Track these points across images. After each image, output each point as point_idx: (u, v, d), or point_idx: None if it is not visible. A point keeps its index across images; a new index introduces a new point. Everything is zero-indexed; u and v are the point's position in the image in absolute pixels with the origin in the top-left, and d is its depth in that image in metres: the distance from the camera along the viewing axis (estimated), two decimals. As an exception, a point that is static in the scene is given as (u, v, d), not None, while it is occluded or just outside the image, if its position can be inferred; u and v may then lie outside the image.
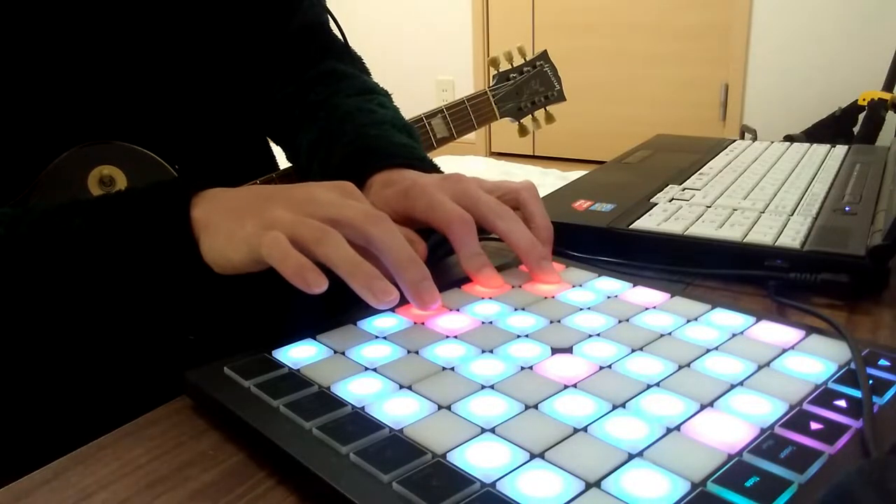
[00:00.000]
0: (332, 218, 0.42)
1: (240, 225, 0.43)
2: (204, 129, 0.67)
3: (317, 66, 0.72)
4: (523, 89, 1.18)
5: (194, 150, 0.66)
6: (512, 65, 1.18)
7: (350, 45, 0.77)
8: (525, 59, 1.19)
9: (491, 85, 1.16)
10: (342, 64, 0.74)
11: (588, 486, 0.27)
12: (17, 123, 0.56)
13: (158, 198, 0.46)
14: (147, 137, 0.61)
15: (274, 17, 0.70)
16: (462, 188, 0.51)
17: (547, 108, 1.23)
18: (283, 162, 0.78)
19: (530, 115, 1.21)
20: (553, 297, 0.45)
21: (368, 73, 0.77)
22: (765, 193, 0.63)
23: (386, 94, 0.73)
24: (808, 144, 0.82)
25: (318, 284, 0.38)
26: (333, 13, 0.76)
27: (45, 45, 0.56)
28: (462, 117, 1.07)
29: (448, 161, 2.48)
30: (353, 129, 0.62)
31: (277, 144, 0.75)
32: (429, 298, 0.42)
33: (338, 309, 0.44)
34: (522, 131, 1.21)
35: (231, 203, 0.45)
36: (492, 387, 0.35)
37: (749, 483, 0.27)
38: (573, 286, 0.47)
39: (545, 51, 1.22)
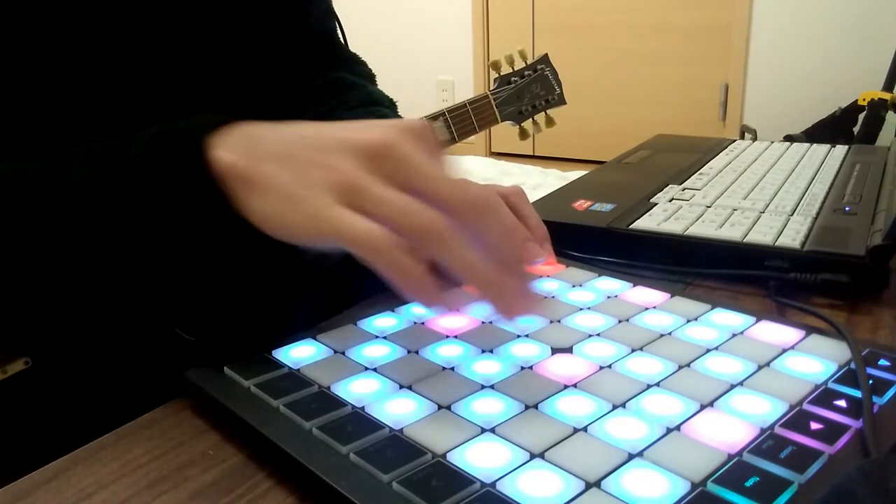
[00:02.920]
0: (439, 197, 0.33)
1: (302, 183, 0.34)
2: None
3: (323, 75, 0.72)
4: (524, 93, 1.18)
5: None
6: (513, 68, 1.18)
7: (350, 46, 0.77)
8: (526, 63, 1.20)
9: (492, 88, 1.16)
10: (349, 73, 0.73)
11: (588, 486, 0.27)
12: (26, 123, 0.56)
13: (164, 142, 0.39)
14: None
15: (282, 23, 0.70)
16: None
17: (547, 111, 1.23)
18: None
19: (530, 119, 1.21)
20: (553, 297, 0.45)
21: (374, 81, 0.77)
22: (765, 193, 0.63)
23: (391, 105, 0.73)
24: (808, 144, 0.82)
25: (456, 303, 0.33)
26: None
27: (52, 48, 0.56)
28: (463, 120, 1.07)
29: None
30: None
31: None
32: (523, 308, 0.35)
33: (336, 309, 0.44)
34: (523, 135, 1.21)
35: (277, 146, 0.37)
36: (492, 387, 0.35)
37: (749, 483, 0.27)
38: (573, 286, 0.47)
39: (546, 54, 1.22)
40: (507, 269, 0.33)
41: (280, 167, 0.35)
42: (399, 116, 0.71)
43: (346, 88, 0.71)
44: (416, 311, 0.43)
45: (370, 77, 0.76)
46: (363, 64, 0.77)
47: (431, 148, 0.36)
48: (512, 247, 0.34)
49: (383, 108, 0.71)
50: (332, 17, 0.75)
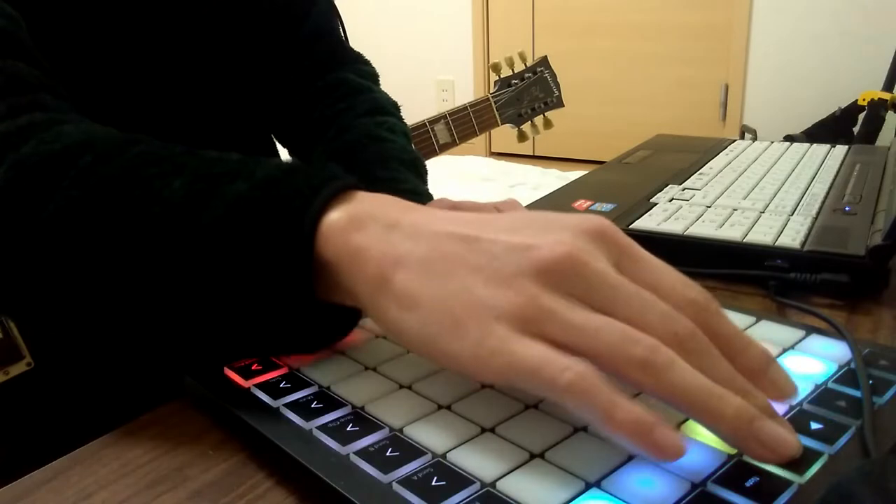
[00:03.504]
0: (648, 324, 0.27)
1: (467, 304, 0.27)
2: (211, 135, 0.67)
3: (327, 76, 0.72)
4: (524, 95, 1.19)
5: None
6: (513, 70, 1.18)
7: (351, 45, 0.77)
8: (526, 65, 1.20)
9: (492, 91, 1.16)
10: (354, 74, 0.73)
11: (588, 486, 0.27)
12: None
13: (270, 197, 0.32)
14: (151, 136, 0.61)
15: (283, 23, 0.70)
16: None
17: (545, 113, 1.23)
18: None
19: (529, 121, 1.21)
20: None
21: (378, 82, 0.77)
22: (765, 193, 0.63)
23: (395, 111, 0.73)
24: (808, 144, 0.82)
25: (681, 448, 0.25)
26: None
27: (55, 50, 0.56)
28: (464, 123, 1.08)
29: (449, 161, 2.48)
30: (363, 168, 0.62)
31: (287, 151, 0.75)
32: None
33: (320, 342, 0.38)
34: (521, 137, 1.22)
35: (426, 243, 0.29)
36: (492, 386, 0.35)
37: (749, 483, 0.27)
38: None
39: (545, 57, 1.23)
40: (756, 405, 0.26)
41: (432, 274, 0.29)
42: (403, 122, 0.71)
43: (352, 92, 0.71)
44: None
45: (374, 77, 0.76)
46: (367, 63, 0.77)
47: (624, 250, 0.30)
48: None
49: (390, 117, 0.71)
50: (335, 15, 0.75)
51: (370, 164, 0.62)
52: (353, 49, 0.77)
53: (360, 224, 0.31)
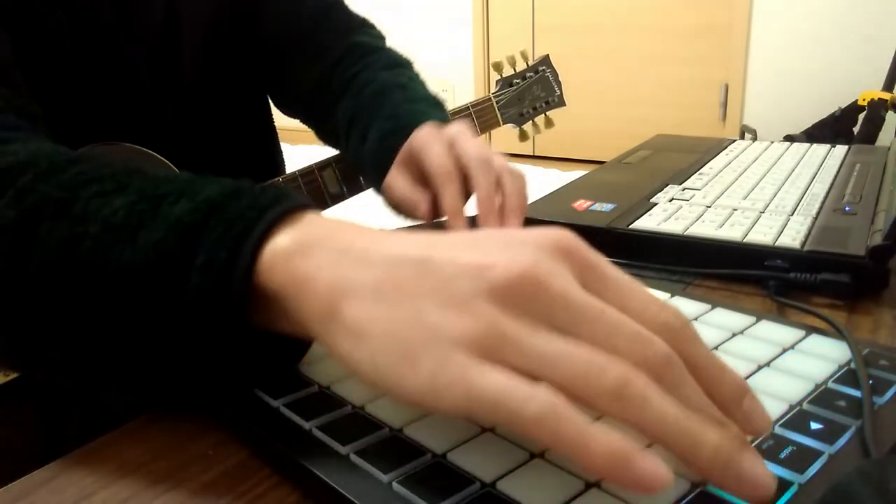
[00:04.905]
0: (617, 348, 0.25)
1: (421, 331, 0.25)
2: (210, 131, 0.67)
3: (341, 45, 0.74)
4: (525, 95, 1.18)
5: (200, 152, 0.66)
6: (515, 69, 1.18)
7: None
8: (528, 64, 1.20)
9: (494, 91, 1.16)
10: (366, 38, 0.76)
11: (588, 485, 0.27)
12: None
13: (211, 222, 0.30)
14: (154, 139, 0.61)
15: (285, 4, 0.71)
16: (453, 140, 0.54)
17: (546, 112, 1.23)
18: (288, 166, 0.78)
19: (530, 121, 1.21)
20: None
21: (385, 41, 0.79)
22: (765, 193, 0.63)
23: (410, 65, 0.75)
24: (808, 144, 0.82)
25: (666, 477, 0.22)
26: None
27: (55, 48, 0.56)
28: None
29: (448, 161, 2.47)
30: (391, 106, 0.64)
31: (312, 129, 0.77)
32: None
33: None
34: (523, 136, 1.21)
35: (375, 268, 0.27)
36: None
37: (749, 483, 0.27)
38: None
39: (547, 55, 1.23)
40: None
41: (383, 302, 0.26)
42: (417, 74, 0.73)
43: (367, 52, 0.73)
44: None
45: (383, 38, 0.79)
46: (373, 27, 0.80)
47: (589, 266, 0.27)
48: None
49: (407, 69, 0.73)
50: None
51: (397, 104, 0.64)
52: (359, 16, 0.79)
53: (307, 250, 0.29)
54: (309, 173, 0.72)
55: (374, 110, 0.64)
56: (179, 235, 0.30)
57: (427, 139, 0.55)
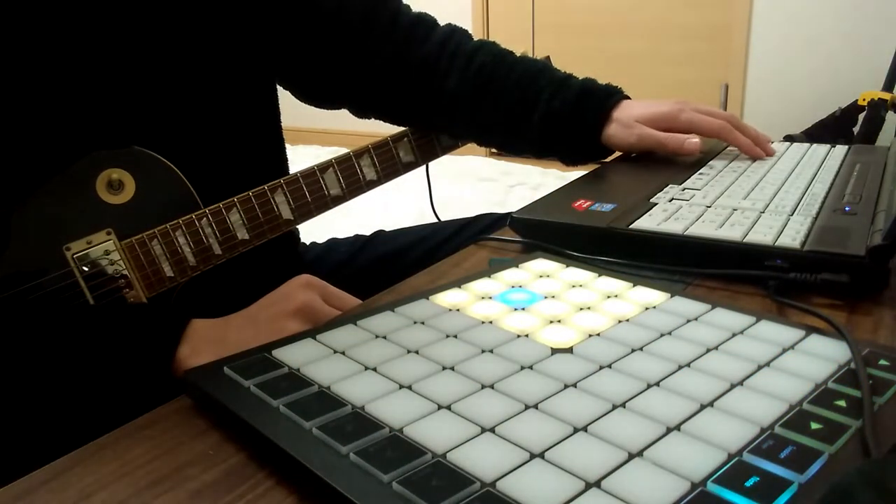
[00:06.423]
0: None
1: (270, 322, 0.52)
2: (217, 134, 0.67)
3: (396, 19, 0.78)
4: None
5: (206, 155, 0.66)
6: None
7: None
8: (530, 65, 1.20)
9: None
10: (404, 7, 0.81)
11: (588, 486, 0.27)
12: (34, 128, 0.56)
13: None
14: (161, 142, 0.61)
15: None
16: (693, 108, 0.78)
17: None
18: (291, 166, 0.78)
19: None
20: (553, 297, 0.46)
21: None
22: (765, 193, 0.63)
23: (462, 29, 0.84)
24: (808, 144, 0.82)
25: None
26: None
27: (59, 49, 0.56)
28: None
29: (449, 161, 2.47)
30: (525, 87, 0.79)
31: (381, 110, 0.82)
32: None
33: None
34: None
35: (241, 332, 0.53)
36: (492, 387, 0.35)
37: (749, 483, 0.27)
38: (573, 286, 0.47)
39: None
40: None
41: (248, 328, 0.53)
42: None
43: (429, 23, 0.81)
44: (414, 311, 0.43)
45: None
46: None
47: (323, 289, 0.55)
48: None
49: (463, 36, 0.82)
50: None
51: (529, 83, 0.79)
52: None
53: (197, 351, 0.51)
54: (310, 174, 0.72)
55: (533, 83, 0.79)
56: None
57: (660, 104, 0.77)
